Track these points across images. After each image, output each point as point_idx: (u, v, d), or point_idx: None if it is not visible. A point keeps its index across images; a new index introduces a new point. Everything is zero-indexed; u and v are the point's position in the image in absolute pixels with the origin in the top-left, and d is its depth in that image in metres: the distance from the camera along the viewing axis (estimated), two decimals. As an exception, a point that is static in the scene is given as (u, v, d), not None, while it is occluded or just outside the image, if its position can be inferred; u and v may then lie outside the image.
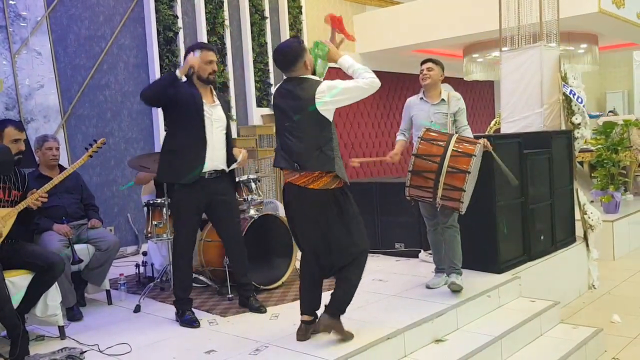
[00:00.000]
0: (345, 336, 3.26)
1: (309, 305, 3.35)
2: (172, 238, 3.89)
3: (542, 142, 5.34)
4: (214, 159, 3.72)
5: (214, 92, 3.84)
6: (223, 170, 3.82)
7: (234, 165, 3.92)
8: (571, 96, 5.88)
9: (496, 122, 8.90)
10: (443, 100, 4.19)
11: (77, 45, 6.31)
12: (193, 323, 3.66)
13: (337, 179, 3.18)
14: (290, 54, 3.19)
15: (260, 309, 3.89)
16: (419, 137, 3.95)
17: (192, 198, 3.69)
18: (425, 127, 4.06)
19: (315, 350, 3.15)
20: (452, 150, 3.81)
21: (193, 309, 3.82)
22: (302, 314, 3.35)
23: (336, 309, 3.26)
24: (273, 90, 8.11)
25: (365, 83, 3.15)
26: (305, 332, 3.31)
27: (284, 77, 3.31)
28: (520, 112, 6.07)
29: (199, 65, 3.63)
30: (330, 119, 3.18)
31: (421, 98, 4.29)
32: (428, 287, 4.28)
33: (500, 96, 6.49)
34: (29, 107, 5.90)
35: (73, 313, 3.95)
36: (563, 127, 5.91)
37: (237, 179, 4.29)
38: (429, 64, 4.21)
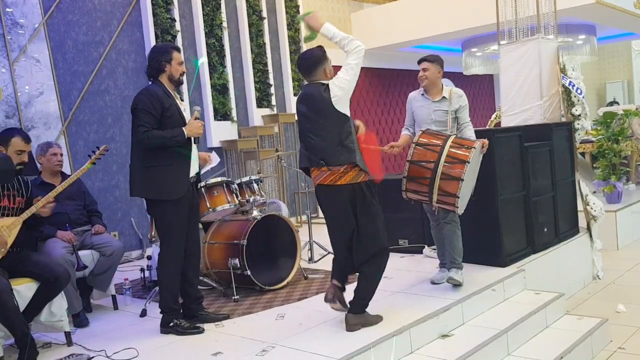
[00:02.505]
0: (376, 322, 3.50)
1: (339, 274, 3.58)
2: (163, 251, 3.64)
3: (543, 134, 5.34)
4: (195, 162, 3.69)
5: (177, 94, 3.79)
6: (198, 174, 3.80)
7: (207, 167, 3.92)
8: (570, 87, 5.87)
9: (497, 116, 8.91)
10: (444, 97, 4.15)
11: (75, 51, 6.32)
12: (197, 329, 3.61)
13: (362, 173, 3.39)
14: (310, 60, 3.45)
15: (224, 317, 3.82)
16: (413, 142, 3.94)
17: (182, 208, 3.58)
18: (422, 129, 4.04)
19: (322, 348, 3.17)
20: (446, 156, 3.79)
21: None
22: (332, 279, 3.58)
23: (359, 305, 3.47)
24: (272, 90, 8.19)
25: (355, 58, 3.41)
26: (334, 293, 3.51)
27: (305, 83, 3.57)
28: (520, 105, 6.07)
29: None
30: (348, 113, 3.41)
31: (422, 94, 4.25)
32: (433, 283, 4.29)
33: (500, 90, 6.49)
34: (29, 115, 5.91)
35: (79, 319, 3.97)
36: (563, 119, 5.91)
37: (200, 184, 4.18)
38: (425, 64, 4.15)
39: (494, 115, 9.29)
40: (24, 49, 5.91)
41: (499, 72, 6.58)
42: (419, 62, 4.20)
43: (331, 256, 5.17)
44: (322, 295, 4.23)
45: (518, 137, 4.89)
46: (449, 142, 3.86)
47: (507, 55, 6.20)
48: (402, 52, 10.40)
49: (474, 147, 3.85)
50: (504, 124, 6.19)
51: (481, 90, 13.25)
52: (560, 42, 6.43)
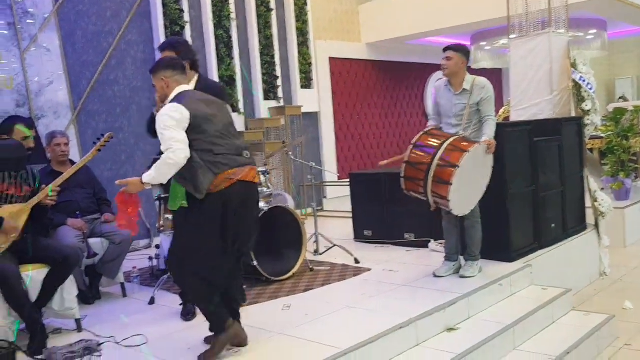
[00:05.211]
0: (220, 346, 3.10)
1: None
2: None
3: (552, 129, 5.31)
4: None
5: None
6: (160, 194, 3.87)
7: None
8: (581, 82, 5.83)
9: (505, 111, 8.86)
10: (465, 90, 4.05)
11: (85, 42, 6.33)
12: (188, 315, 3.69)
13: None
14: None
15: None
16: (411, 144, 3.97)
17: None
18: (434, 127, 4.06)
19: (328, 339, 3.18)
20: (439, 159, 3.82)
21: None
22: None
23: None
24: (279, 82, 8.16)
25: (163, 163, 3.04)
26: None
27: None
28: (530, 100, 6.05)
29: None
30: None
31: (446, 85, 4.16)
32: (435, 276, 4.29)
33: (509, 84, 6.46)
34: (39, 104, 5.94)
35: (85, 297, 4.09)
36: (573, 114, 5.88)
37: None
38: (449, 53, 4.04)
39: (502, 110, 9.24)
40: (35, 38, 5.93)
41: (508, 66, 6.56)
42: (444, 49, 4.09)
43: (336, 249, 5.23)
44: (328, 286, 4.27)
45: (528, 131, 4.87)
46: (446, 144, 3.87)
47: (518, 49, 6.17)
48: (410, 45, 10.36)
49: (468, 151, 3.81)
50: (513, 118, 6.17)
51: (489, 84, 13.21)
52: (570, 36, 6.38)
